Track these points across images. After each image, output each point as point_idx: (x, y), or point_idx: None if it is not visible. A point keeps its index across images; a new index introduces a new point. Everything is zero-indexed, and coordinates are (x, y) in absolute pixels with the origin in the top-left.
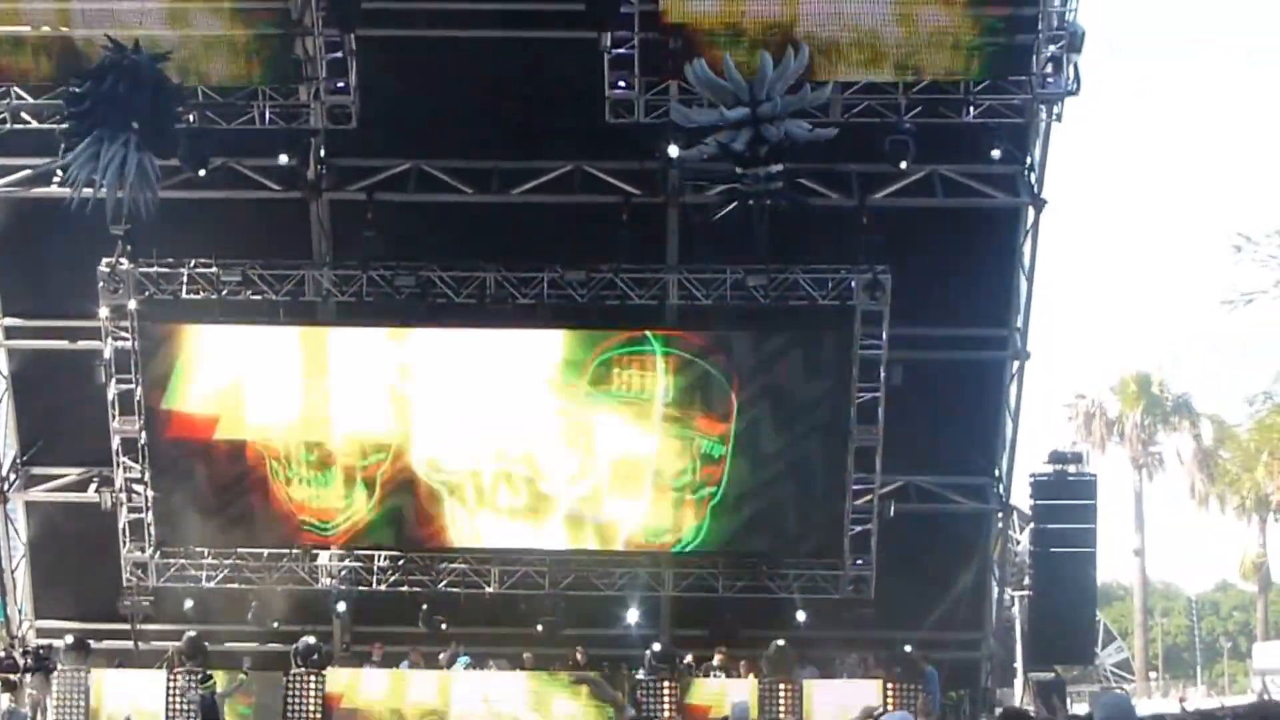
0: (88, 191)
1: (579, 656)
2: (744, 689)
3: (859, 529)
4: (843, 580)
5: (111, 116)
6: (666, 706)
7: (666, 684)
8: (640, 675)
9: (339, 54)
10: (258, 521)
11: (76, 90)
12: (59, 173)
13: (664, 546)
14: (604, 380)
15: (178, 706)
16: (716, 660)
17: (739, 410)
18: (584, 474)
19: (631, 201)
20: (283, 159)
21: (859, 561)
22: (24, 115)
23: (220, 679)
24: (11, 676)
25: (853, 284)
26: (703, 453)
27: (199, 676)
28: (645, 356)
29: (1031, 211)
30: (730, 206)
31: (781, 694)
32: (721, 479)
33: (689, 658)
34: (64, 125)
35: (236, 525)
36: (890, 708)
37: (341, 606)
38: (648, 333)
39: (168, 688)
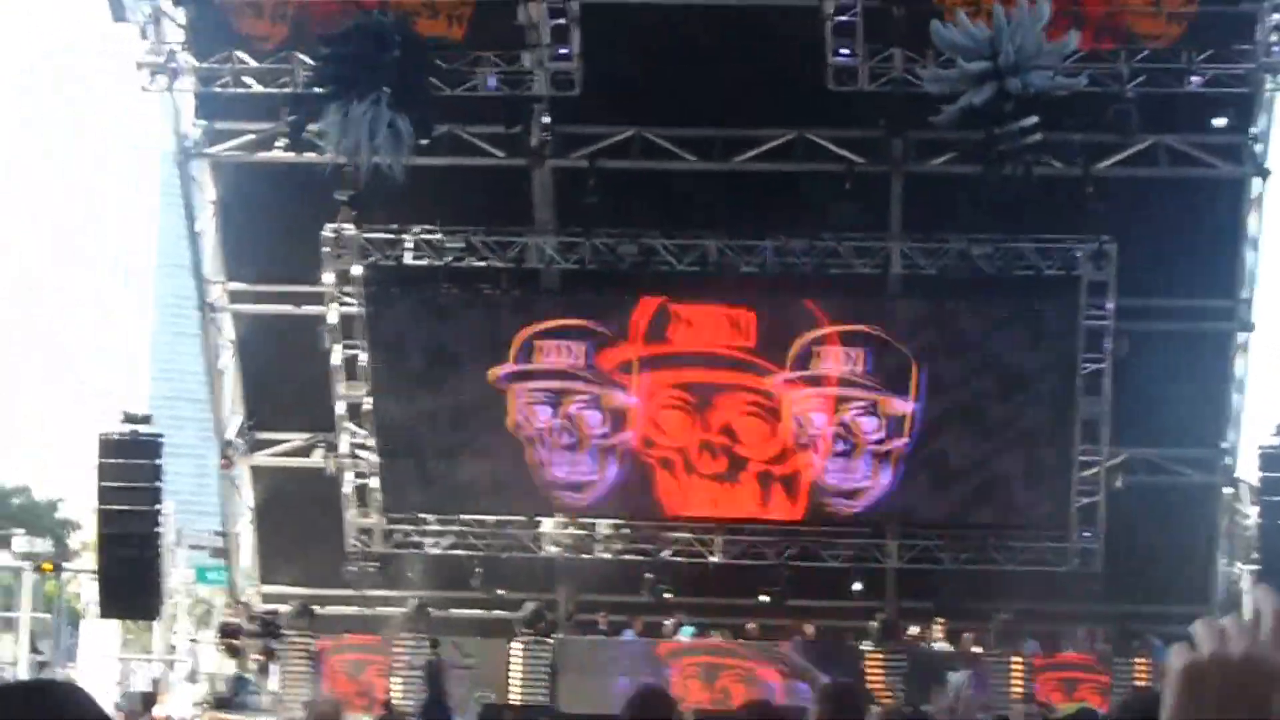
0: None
1: (808, 630)
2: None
3: (1085, 501)
4: (1069, 553)
5: (361, 79)
6: None
7: (894, 655)
8: (865, 647)
9: (562, 20)
10: (503, 488)
11: (325, 53)
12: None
13: (856, 507)
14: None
15: (405, 674)
16: (938, 631)
17: (950, 379)
18: (779, 441)
19: (855, 170)
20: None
21: (1085, 534)
22: (246, 79)
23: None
24: (236, 642)
25: (1077, 254)
26: (891, 421)
27: (429, 642)
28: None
29: (1257, 182)
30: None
31: (1007, 668)
32: (912, 447)
33: (915, 630)
34: (311, 88)
35: (476, 492)
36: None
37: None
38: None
39: (393, 655)
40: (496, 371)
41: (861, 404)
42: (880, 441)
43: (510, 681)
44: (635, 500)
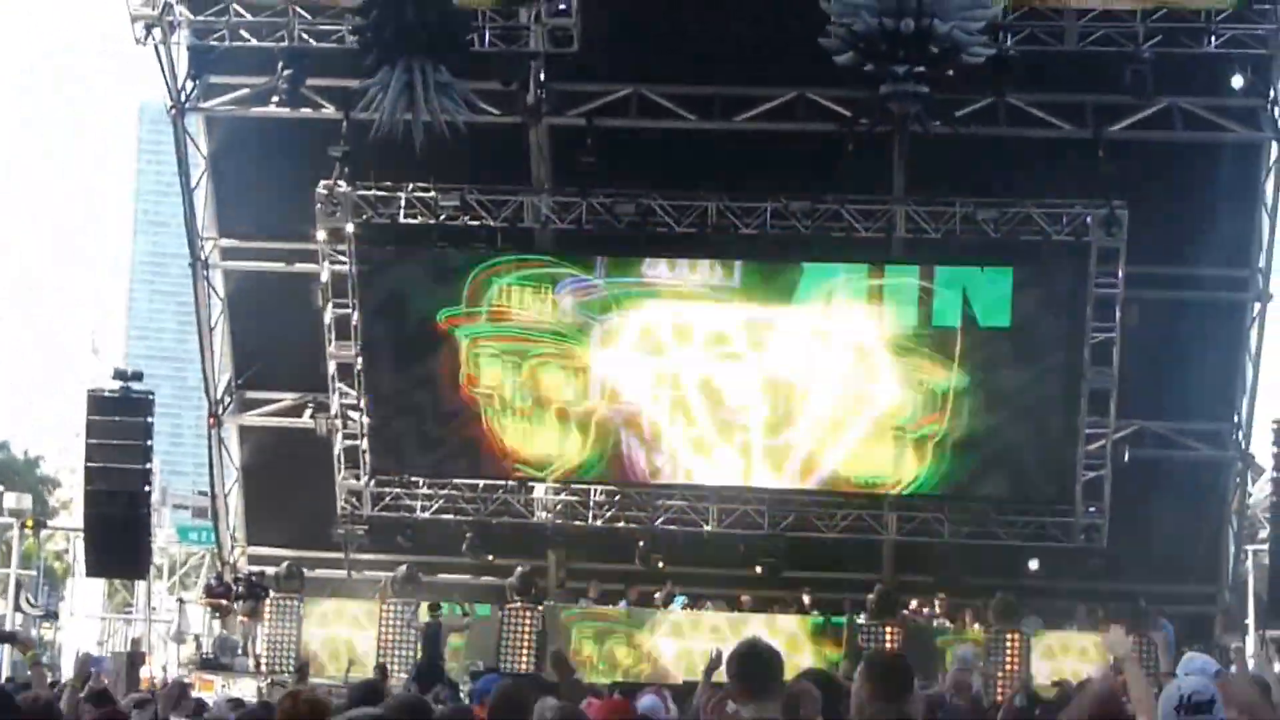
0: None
1: (805, 599)
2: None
3: (1092, 475)
4: (1074, 528)
5: (399, 38)
6: None
7: (889, 629)
8: (862, 619)
9: None
10: (465, 453)
11: (360, 15)
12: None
13: (884, 489)
14: (822, 323)
15: (389, 637)
16: (938, 607)
17: (973, 348)
18: (795, 413)
19: (856, 130)
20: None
21: (1091, 509)
22: (243, 33)
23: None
24: (223, 603)
25: (1088, 219)
26: (929, 392)
27: (430, 604)
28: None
29: (1275, 147)
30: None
31: (1007, 645)
32: (947, 421)
33: (913, 603)
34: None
35: (458, 457)
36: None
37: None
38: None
39: (380, 618)
40: (449, 313)
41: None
42: (911, 418)
43: (502, 649)
44: (609, 470)
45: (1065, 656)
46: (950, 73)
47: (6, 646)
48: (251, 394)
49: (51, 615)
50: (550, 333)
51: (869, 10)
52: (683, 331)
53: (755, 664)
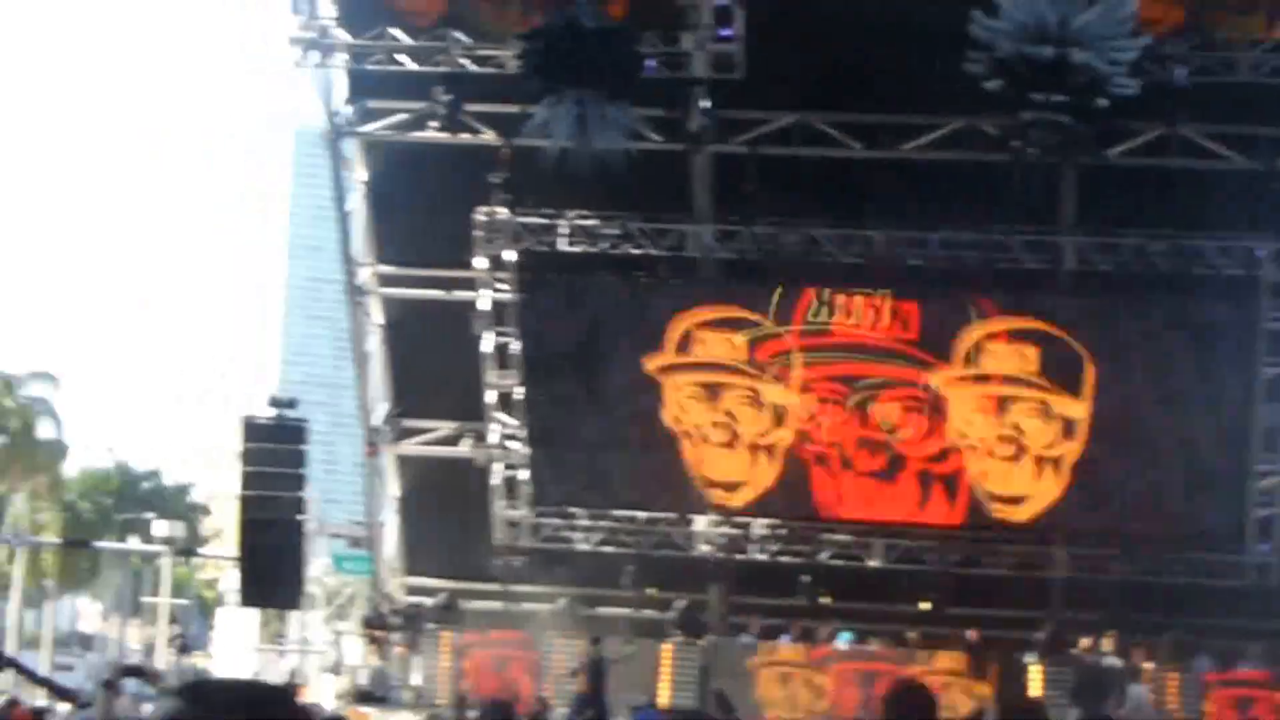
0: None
1: (972, 637)
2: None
3: (1264, 513)
4: (1244, 567)
5: (566, 68)
6: None
7: (1058, 668)
8: (1028, 659)
9: (725, 1)
10: (656, 484)
11: (526, 48)
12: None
13: (1022, 514)
14: (974, 359)
15: (548, 670)
16: (1108, 646)
17: (1113, 382)
18: (942, 440)
19: (1024, 160)
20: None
21: (1263, 548)
22: (401, 56)
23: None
24: (378, 634)
25: (1259, 254)
26: (1063, 424)
27: (592, 639)
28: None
29: None
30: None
31: (1176, 684)
32: (1084, 452)
33: (1083, 641)
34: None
35: (628, 486)
36: None
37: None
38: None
39: (541, 652)
40: (654, 362)
41: (1031, 404)
42: (1049, 445)
43: (660, 684)
44: (791, 500)
45: None
46: (1104, 103)
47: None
48: (409, 423)
49: (186, 648)
50: (739, 370)
51: (1010, 37)
52: (860, 373)
53: (910, 705)
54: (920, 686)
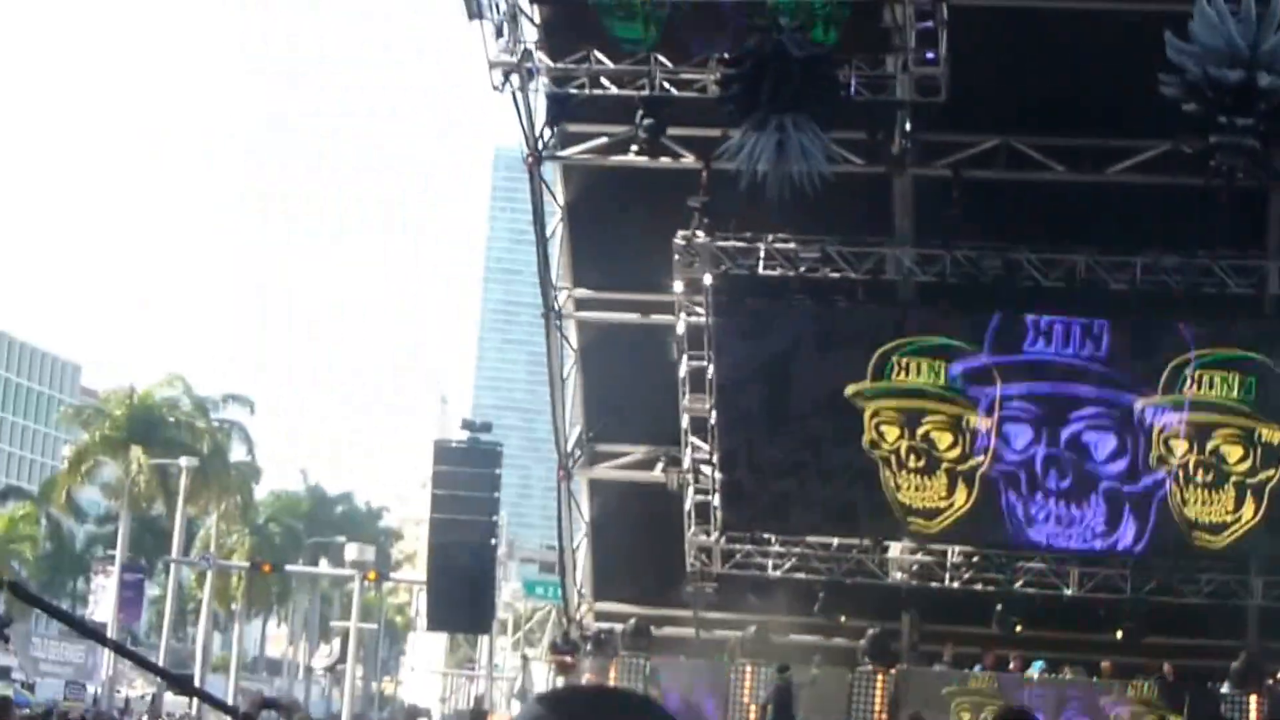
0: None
1: (1166, 670)
2: None
3: None
4: None
5: (765, 95)
6: None
7: (1254, 699)
8: (1225, 689)
9: (929, 23)
10: (850, 510)
11: (730, 70)
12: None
13: (1222, 541)
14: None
15: (738, 698)
16: None
17: None
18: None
19: (1226, 184)
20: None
21: None
22: (603, 80)
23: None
24: (568, 660)
25: None
26: (1264, 450)
27: (778, 666)
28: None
29: None
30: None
31: None
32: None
33: None
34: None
35: (822, 512)
36: None
37: None
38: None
39: (729, 679)
40: (855, 388)
41: (1233, 430)
42: (1250, 472)
43: (851, 712)
44: (985, 527)
45: None
46: None
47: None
48: (602, 446)
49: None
50: (940, 397)
51: (1198, 59)
52: (1056, 402)
53: None
54: (1026, 713)
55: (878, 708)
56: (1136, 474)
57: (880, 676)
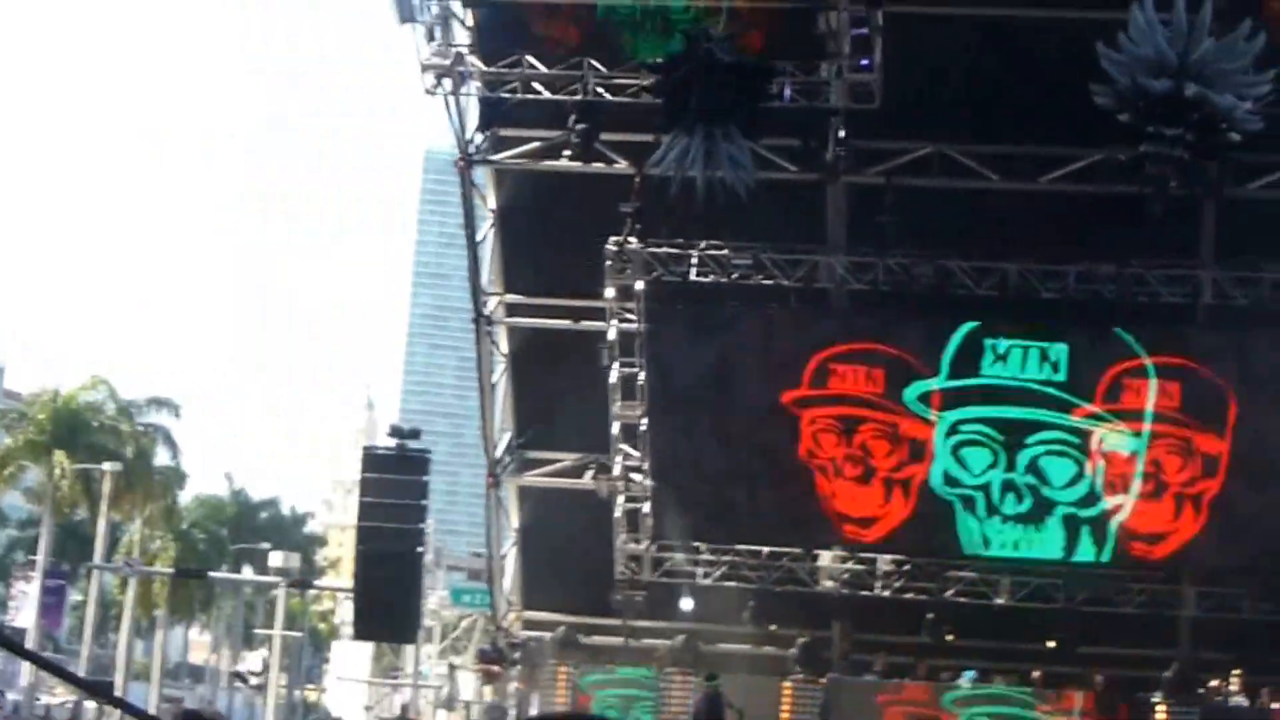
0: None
1: (1096, 679)
2: None
3: None
4: None
5: (694, 102)
6: None
7: (1184, 709)
8: (1155, 699)
9: (864, 30)
10: (784, 518)
11: (657, 78)
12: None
13: (1160, 551)
14: (1113, 398)
15: (666, 707)
16: (1235, 685)
17: (1252, 416)
18: (1084, 480)
19: (1167, 194)
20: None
21: None
22: (535, 85)
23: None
24: (495, 668)
25: None
26: (1203, 461)
27: (706, 674)
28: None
29: None
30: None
31: None
32: (1221, 489)
33: (1213, 682)
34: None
35: (754, 520)
36: None
37: None
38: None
39: (658, 688)
40: (790, 394)
41: (1173, 441)
42: (1189, 482)
43: None
44: (929, 538)
45: None
46: (1235, 138)
47: None
48: (532, 453)
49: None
50: (881, 406)
51: (1128, 69)
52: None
53: None
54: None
55: (807, 717)
56: (1091, 496)
57: (810, 685)
